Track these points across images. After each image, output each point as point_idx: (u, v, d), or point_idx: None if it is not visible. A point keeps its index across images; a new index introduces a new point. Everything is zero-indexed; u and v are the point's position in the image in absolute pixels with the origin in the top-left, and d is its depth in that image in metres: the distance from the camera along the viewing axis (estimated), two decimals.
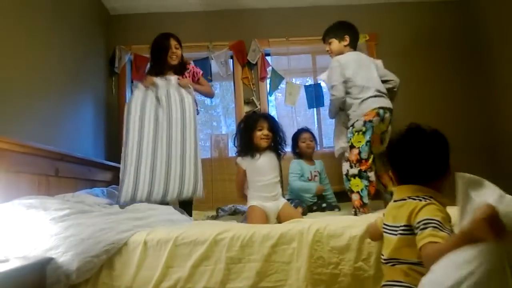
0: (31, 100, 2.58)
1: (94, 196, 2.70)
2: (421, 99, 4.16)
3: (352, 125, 2.67)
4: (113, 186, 3.19)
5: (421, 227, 1.23)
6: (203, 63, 4.09)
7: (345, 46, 2.94)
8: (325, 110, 4.28)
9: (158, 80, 2.97)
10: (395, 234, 1.36)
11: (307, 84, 4.28)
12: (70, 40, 3.21)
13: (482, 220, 0.99)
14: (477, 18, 4.15)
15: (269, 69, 4.22)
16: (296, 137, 3.57)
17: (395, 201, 1.44)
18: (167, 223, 2.16)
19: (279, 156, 2.73)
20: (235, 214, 3.09)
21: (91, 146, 3.55)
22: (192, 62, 3.37)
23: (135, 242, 1.81)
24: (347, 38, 2.94)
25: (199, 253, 1.74)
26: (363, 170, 2.57)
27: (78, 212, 1.98)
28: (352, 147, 2.63)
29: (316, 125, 4.31)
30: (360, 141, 2.60)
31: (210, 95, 3.48)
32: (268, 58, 4.28)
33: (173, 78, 3.00)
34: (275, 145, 2.71)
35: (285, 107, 4.21)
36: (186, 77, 3.18)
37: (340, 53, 2.93)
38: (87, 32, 3.61)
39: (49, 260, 1.66)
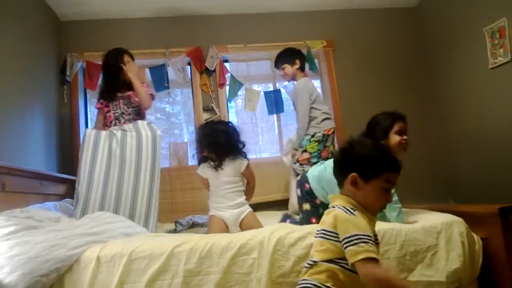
0: None
1: (46, 210, 2.57)
2: (376, 104, 4.23)
3: (313, 135, 3.19)
4: (67, 199, 3.06)
5: (354, 241, 1.29)
6: (160, 70, 4.00)
7: (297, 69, 3.35)
8: (286, 116, 4.30)
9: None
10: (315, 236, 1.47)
11: (267, 90, 4.26)
12: (16, 47, 3.04)
13: None
14: (429, 23, 4.29)
15: (227, 75, 4.18)
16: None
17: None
18: (123, 236, 2.07)
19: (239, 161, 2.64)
20: (193, 227, 3.01)
21: (43, 158, 3.38)
22: (146, 82, 3.31)
23: (88, 259, 1.72)
24: (297, 61, 3.36)
25: (155, 267, 1.67)
26: None
27: (25, 229, 1.85)
28: (305, 151, 3.18)
29: (277, 131, 4.31)
30: (313, 148, 3.16)
31: (145, 104, 3.16)
32: (226, 64, 4.23)
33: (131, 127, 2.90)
34: (235, 150, 2.64)
35: (247, 114, 4.19)
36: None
37: (294, 75, 3.37)
38: (35, 39, 3.44)
39: None
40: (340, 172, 1.51)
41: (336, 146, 3.39)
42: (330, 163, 2.29)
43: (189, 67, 4.19)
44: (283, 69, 3.38)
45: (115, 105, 3.09)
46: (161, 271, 1.68)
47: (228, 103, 4.23)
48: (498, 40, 3.25)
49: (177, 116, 4.72)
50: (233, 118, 4.25)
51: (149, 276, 1.66)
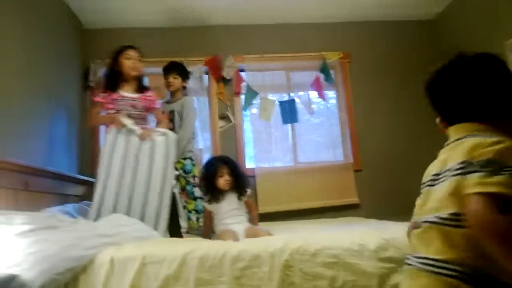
0: None
1: (65, 213, 2.67)
2: (392, 116, 4.25)
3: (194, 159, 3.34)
4: (85, 202, 3.14)
5: (488, 169, 0.88)
6: None
7: (183, 87, 3.52)
8: (300, 125, 4.33)
9: (126, 120, 2.82)
10: (442, 181, 1.01)
11: (281, 99, 4.31)
12: (42, 52, 3.17)
13: None
14: (448, 37, 4.28)
15: (243, 84, 4.26)
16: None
17: (447, 144, 1.13)
18: (137, 240, 2.13)
19: (240, 196, 2.73)
20: None
21: (65, 160, 3.51)
22: (152, 90, 3.19)
23: (102, 260, 1.75)
24: (187, 81, 3.57)
25: (167, 273, 1.70)
26: None
27: (45, 228, 1.93)
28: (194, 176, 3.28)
29: (291, 140, 4.35)
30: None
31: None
32: (242, 74, 4.31)
33: (137, 129, 2.83)
34: (237, 187, 2.73)
35: (261, 122, 4.24)
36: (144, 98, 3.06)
37: (178, 90, 3.46)
38: (60, 45, 3.57)
39: (13, 278, 1.61)
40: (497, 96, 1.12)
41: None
42: None
43: (206, 75, 4.28)
44: (175, 78, 3.41)
45: (120, 104, 2.97)
46: (172, 277, 1.70)
47: (243, 112, 4.30)
48: None
49: None
50: (248, 126, 4.32)
51: (161, 282, 1.69)
